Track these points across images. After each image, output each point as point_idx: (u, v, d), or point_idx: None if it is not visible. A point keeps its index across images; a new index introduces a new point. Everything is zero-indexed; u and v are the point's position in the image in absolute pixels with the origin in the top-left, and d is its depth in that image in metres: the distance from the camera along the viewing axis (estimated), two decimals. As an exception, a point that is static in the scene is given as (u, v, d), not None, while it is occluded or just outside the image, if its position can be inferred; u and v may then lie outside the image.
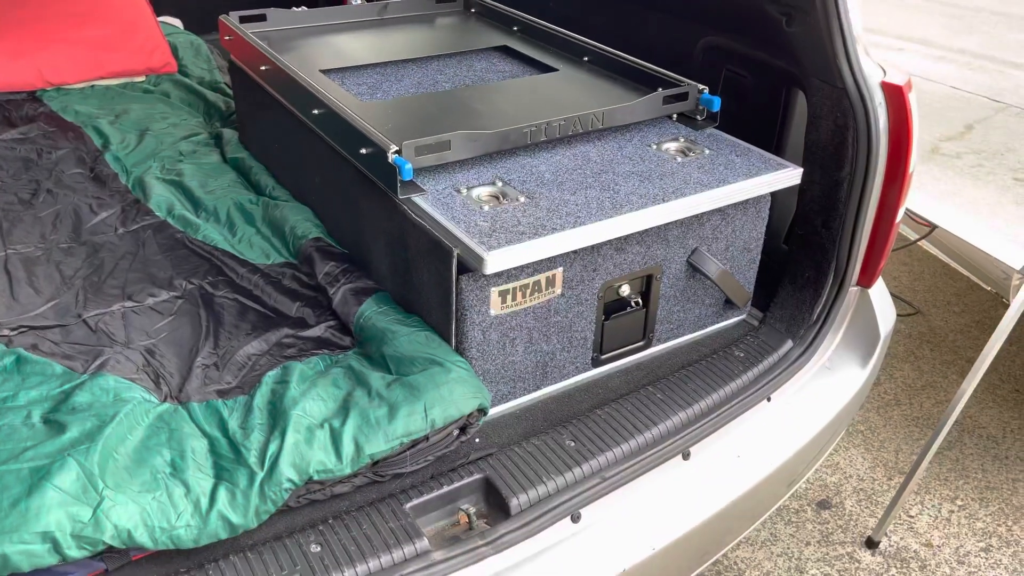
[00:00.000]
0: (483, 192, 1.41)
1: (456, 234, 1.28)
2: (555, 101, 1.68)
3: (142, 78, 2.53)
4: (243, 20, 2.02)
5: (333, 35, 2.07)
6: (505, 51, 2.04)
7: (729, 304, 1.66)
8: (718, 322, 1.67)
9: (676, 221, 1.44)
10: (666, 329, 1.58)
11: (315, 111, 1.58)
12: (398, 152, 1.36)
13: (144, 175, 1.96)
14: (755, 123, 1.78)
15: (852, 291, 1.66)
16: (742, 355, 1.59)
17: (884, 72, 1.54)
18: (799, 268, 1.68)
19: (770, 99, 1.76)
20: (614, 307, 1.48)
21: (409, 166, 1.34)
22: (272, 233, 1.75)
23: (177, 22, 3.04)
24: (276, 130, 1.88)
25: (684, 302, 1.58)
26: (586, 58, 1.92)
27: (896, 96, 1.51)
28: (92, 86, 2.46)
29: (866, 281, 1.66)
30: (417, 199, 1.37)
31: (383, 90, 1.78)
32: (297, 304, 1.54)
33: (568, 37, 1.96)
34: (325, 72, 1.83)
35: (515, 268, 1.30)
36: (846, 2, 1.50)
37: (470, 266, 1.28)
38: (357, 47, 2.00)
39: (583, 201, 1.38)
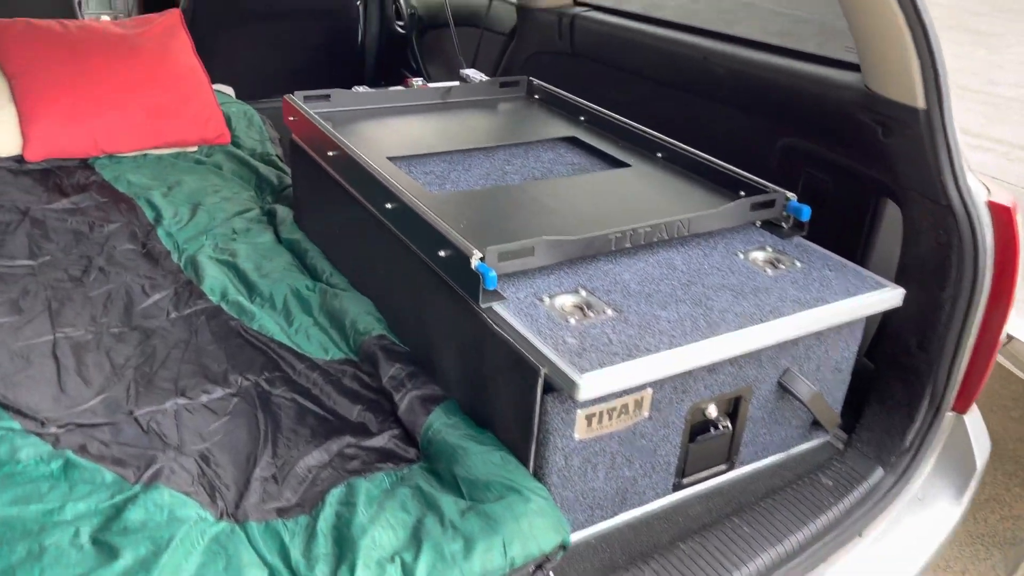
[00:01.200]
0: (567, 302, 1.32)
1: (543, 351, 1.19)
2: (632, 201, 1.61)
3: (195, 148, 2.50)
4: (308, 99, 1.98)
5: (397, 118, 2.02)
6: (572, 142, 1.98)
7: (815, 425, 1.55)
8: (802, 444, 1.56)
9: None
10: (750, 452, 1.48)
11: (388, 205, 1.51)
12: (482, 258, 1.28)
13: (197, 254, 1.89)
14: (837, 230, 1.70)
15: (947, 417, 1.55)
16: (831, 483, 1.48)
17: (988, 191, 1.46)
18: (888, 389, 1.58)
19: (855, 207, 1.69)
20: (700, 429, 1.38)
21: (493, 274, 1.26)
22: (330, 324, 1.67)
23: (229, 90, 3.03)
24: (338, 215, 1.82)
25: (771, 424, 1.48)
26: (659, 154, 1.85)
27: (1004, 217, 1.43)
28: (145, 155, 2.42)
29: (962, 407, 1.55)
30: (498, 308, 1.29)
31: (452, 180, 1.72)
32: (358, 407, 1.45)
33: (639, 131, 1.90)
34: (392, 159, 1.78)
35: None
36: (951, 116, 1.43)
37: (556, 386, 1.19)
38: (422, 133, 1.95)
39: (676, 318, 1.29)
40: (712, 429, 1.39)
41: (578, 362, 1.16)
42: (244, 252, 1.91)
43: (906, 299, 1.50)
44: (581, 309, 1.31)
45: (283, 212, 2.13)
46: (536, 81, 2.24)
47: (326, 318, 1.69)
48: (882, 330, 1.59)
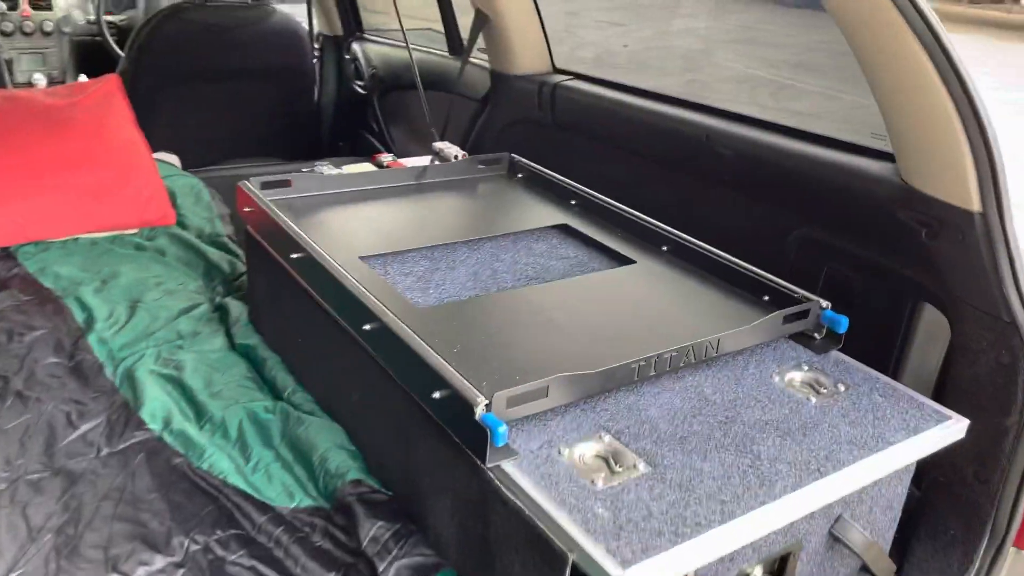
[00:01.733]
0: (589, 452, 1.10)
1: (570, 531, 0.96)
2: (646, 311, 1.41)
3: (135, 230, 2.23)
4: (265, 187, 1.74)
5: (368, 205, 1.80)
6: (565, 231, 1.78)
7: (864, 570, 1.35)
8: None
9: None
10: (796, 610, 1.26)
11: (366, 326, 1.28)
12: (487, 406, 1.06)
13: (135, 367, 1.63)
14: (866, 336, 1.51)
15: (1009, 553, 1.36)
16: (886, 641, 1.28)
17: (1053, 301, 1.30)
18: (942, 523, 1.39)
19: (888, 311, 1.51)
20: (744, 594, 1.17)
21: (503, 429, 1.03)
22: (295, 459, 1.42)
23: (174, 159, 2.77)
24: (303, 327, 1.58)
25: None
26: (665, 247, 1.66)
27: (1074, 334, 1.26)
28: (76, 240, 2.15)
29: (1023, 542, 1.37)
30: (509, 467, 1.06)
31: (436, 284, 1.50)
32: (333, 575, 1.20)
33: (639, 219, 1.71)
34: (366, 259, 1.55)
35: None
36: (1011, 218, 1.26)
37: (584, 571, 0.96)
38: (397, 223, 1.73)
39: (720, 472, 1.08)
40: None
41: (616, 547, 0.94)
42: (191, 364, 1.64)
43: (961, 424, 1.32)
44: (607, 462, 1.09)
45: (236, 309, 1.88)
46: (518, 158, 2.04)
47: (290, 450, 1.43)
48: (932, 454, 1.40)
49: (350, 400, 1.45)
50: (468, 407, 1.06)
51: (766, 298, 1.46)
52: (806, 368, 1.34)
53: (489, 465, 1.05)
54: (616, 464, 1.08)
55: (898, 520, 1.35)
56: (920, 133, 1.33)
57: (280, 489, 1.35)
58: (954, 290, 1.34)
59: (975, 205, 1.27)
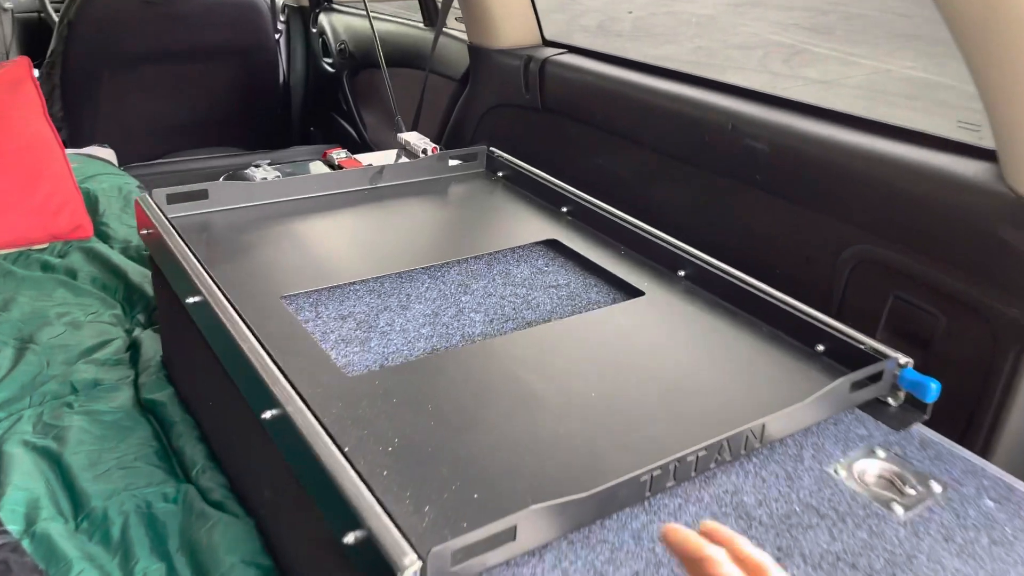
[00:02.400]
0: (578, 623, 0.74)
1: None
2: (659, 374, 1.03)
3: (43, 245, 1.87)
4: (173, 200, 1.37)
5: (307, 220, 1.42)
6: (554, 247, 1.41)
7: None
8: None
9: None
10: None
11: (266, 414, 0.92)
12: (421, 573, 0.69)
13: (6, 438, 1.27)
14: (948, 391, 1.14)
15: None
16: None
17: None
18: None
19: (980, 358, 1.14)
20: None
21: (446, 614, 0.67)
22: (194, 574, 1.06)
23: (109, 154, 2.40)
24: (209, 387, 1.22)
25: None
26: (682, 272, 1.28)
27: None
28: (-29, 258, 1.79)
29: None
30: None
31: (379, 332, 1.13)
32: None
33: (649, 235, 1.33)
34: (289, 298, 1.18)
35: None
36: None
37: None
38: (340, 245, 1.36)
39: (778, 658, 0.71)
40: None
41: None
42: (77, 432, 1.28)
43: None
44: (606, 639, 0.73)
45: (150, 348, 1.52)
46: (498, 152, 1.66)
47: (188, 562, 1.08)
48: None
49: (262, 495, 1.09)
50: (390, 571, 0.69)
51: (820, 348, 1.09)
52: (882, 455, 0.97)
53: (425, 663, 0.69)
54: (619, 645, 0.72)
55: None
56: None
57: (166, 626, 0.99)
58: (1087, 343, 0.97)
59: None
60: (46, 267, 1.80)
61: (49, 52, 2.60)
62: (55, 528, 1.11)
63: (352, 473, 0.79)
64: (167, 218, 1.30)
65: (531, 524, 0.76)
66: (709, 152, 1.50)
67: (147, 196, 1.35)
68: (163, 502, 1.17)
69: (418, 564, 0.69)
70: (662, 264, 1.31)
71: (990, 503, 0.91)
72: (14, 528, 1.12)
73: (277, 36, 2.98)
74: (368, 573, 0.74)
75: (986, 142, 1.08)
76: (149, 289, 1.73)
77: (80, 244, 1.87)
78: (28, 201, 1.82)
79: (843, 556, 0.82)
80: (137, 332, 1.61)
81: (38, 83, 2.00)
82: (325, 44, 3.00)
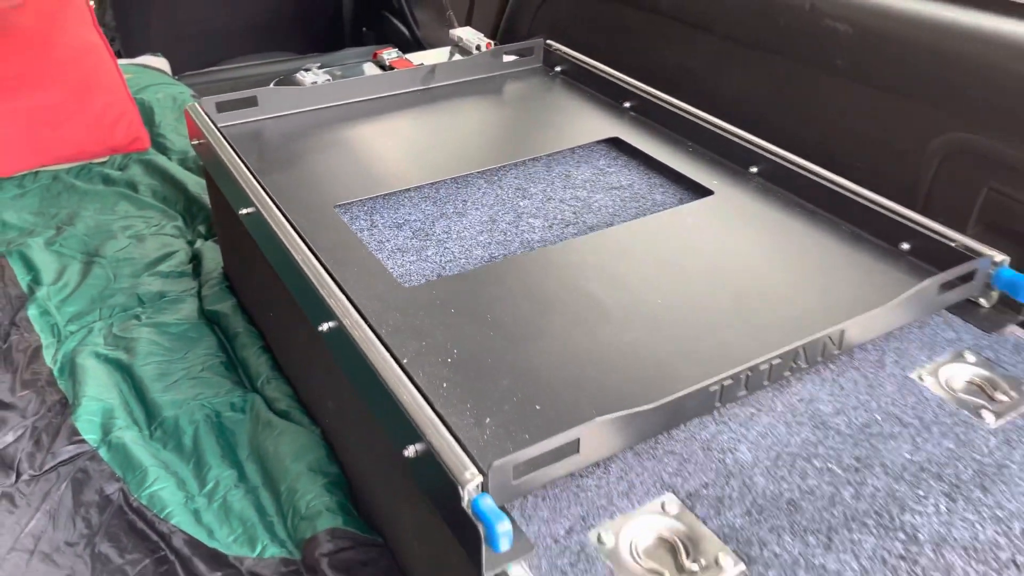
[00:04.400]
0: (646, 538, 0.72)
1: None
2: (734, 279, 0.98)
3: (103, 159, 1.87)
4: (223, 108, 1.34)
5: (357, 126, 1.38)
6: (616, 145, 1.34)
7: None
8: None
9: None
10: None
11: (323, 326, 0.90)
12: (483, 485, 0.68)
13: (79, 350, 1.30)
14: None
15: None
16: None
17: None
18: None
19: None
20: None
21: (506, 527, 0.65)
22: (264, 482, 1.08)
23: (163, 63, 2.37)
24: (270, 298, 1.21)
25: None
26: (754, 169, 1.20)
27: None
28: (36, 174, 1.80)
29: None
30: (518, 571, 0.68)
31: (436, 240, 1.10)
32: (297, 670, 0.87)
33: (717, 129, 1.25)
34: (343, 207, 1.15)
35: None
36: None
37: None
38: (393, 150, 1.31)
39: (856, 571, 0.68)
40: None
41: None
42: (146, 344, 1.31)
43: None
44: (674, 551, 0.71)
45: (211, 260, 1.52)
46: (556, 45, 1.57)
47: (257, 469, 1.10)
48: None
49: (326, 406, 1.09)
50: (452, 485, 0.68)
51: (905, 247, 1.01)
52: (972, 359, 0.90)
53: (488, 575, 0.68)
54: (689, 558, 0.70)
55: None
56: None
57: (240, 531, 1.02)
58: None
59: None
60: (107, 180, 1.80)
61: (96, -40, 2.55)
62: (130, 436, 1.14)
63: (411, 386, 0.77)
64: (217, 128, 1.27)
65: (595, 437, 0.73)
66: (785, 36, 1.38)
67: (196, 105, 1.32)
68: (231, 411, 1.19)
69: (479, 478, 0.67)
70: (733, 161, 1.23)
71: (1092, 411, 0.84)
72: (91, 438, 1.15)
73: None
74: (430, 486, 0.73)
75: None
76: (208, 200, 1.73)
77: (139, 156, 1.87)
78: (84, 113, 1.82)
79: (927, 467, 0.77)
80: (198, 243, 1.61)
81: (86, -8, 1.96)
82: (373, -62, 2.87)
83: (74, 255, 1.54)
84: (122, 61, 2.04)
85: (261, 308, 1.30)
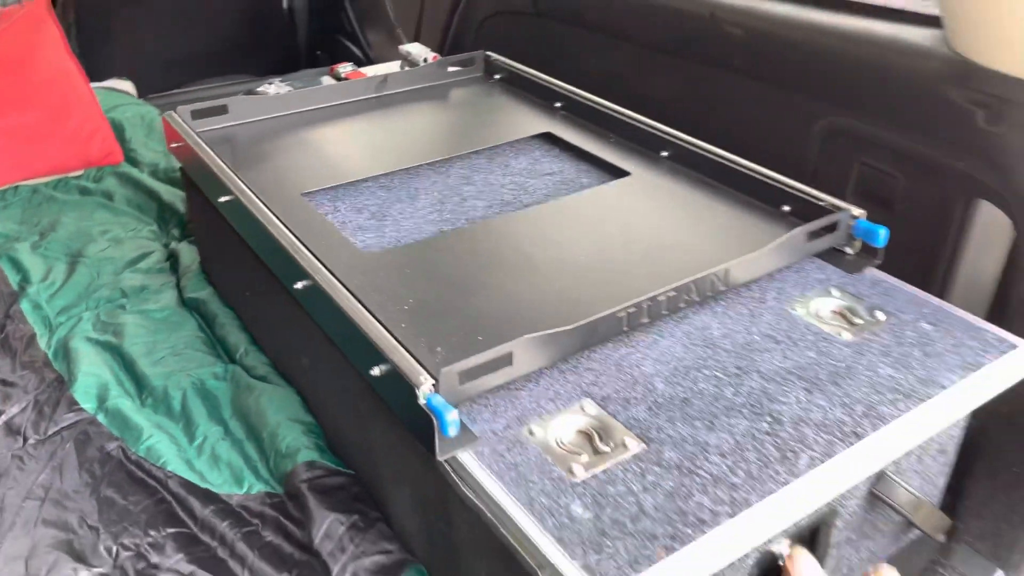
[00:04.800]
0: (569, 429, 0.89)
1: (539, 544, 0.76)
2: (640, 237, 1.17)
3: (79, 172, 2.01)
4: (197, 116, 1.50)
5: (319, 128, 1.55)
6: (549, 139, 1.53)
7: (912, 525, 1.15)
8: (893, 548, 1.16)
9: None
10: (833, 581, 1.08)
11: (297, 284, 1.07)
12: (434, 386, 0.85)
13: (71, 335, 1.44)
14: (907, 242, 1.27)
15: (1083, 491, 1.15)
16: (940, 606, 1.09)
17: None
18: (1002, 459, 1.18)
19: (936, 214, 1.26)
20: (769, 573, 0.98)
21: (454, 416, 0.82)
22: (247, 435, 1.23)
23: (128, 86, 2.52)
24: (246, 278, 1.37)
25: (859, 540, 1.07)
26: (665, 153, 1.40)
27: None
28: (16, 188, 1.94)
29: (1102, 477, 1.15)
30: (466, 457, 0.86)
31: (392, 220, 1.27)
32: (285, 577, 1.03)
33: (633, 120, 1.45)
34: (309, 195, 1.32)
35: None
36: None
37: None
38: (352, 147, 1.48)
39: (732, 445, 0.86)
40: (784, 571, 0.98)
41: (597, 563, 0.74)
42: (132, 327, 1.45)
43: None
44: (591, 439, 0.88)
45: (188, 256, 1.67)
46: (494, 56, 1.77)
47: (240, 425, 1.25)
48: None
49: (301, 364, 1.25)
50: (410, 388, 0.85)
51: (786, 209, 1.21)
52: (836, 294, 1.10)
53: (441, 458, 0.85)
54: (602, 442, 0.87)
55: (952, 463, 1.15)
56: (976, -12, 1.04)
57: (228, 474, 1.17)
58: (1019, 184, 1.08)
59: (1049, 77, 0.99)
60: (84, 192, 1.94)
61: (62, -9, 2.69)
62: (125, 404, 1.29)
63: (375, 321, 0.94)
64: (194, 131, 1.43)
65: (524, 351, 0.91)
66: (691, 41, 1.60)
67: (173, 114, 1.48)
68: (214, 380, 1.34)
69: (431, 381, 0.84)
70: (647, 147, 1.42)
71: (927, 326, 1.04)
72: (89, 406, 1.29)
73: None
74: (393, 396, 0.90)
75: (934, 10, 1.17)
76: (180, 207, 1.88)
77: (113, 169, 2.01)
78: (61, 131, 1.96)
79: (793, 371, 0.96)
80: (173, 244, 1.76)
81: (58, 20, 2.11)
82: (324, -34, 3.06)
83: (59, 256, 1.68)
84: (91, 84, 2.18)
85: (238, 291, 1.46)
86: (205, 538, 1.08)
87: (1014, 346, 1.01)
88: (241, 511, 1.11)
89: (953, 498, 1.21)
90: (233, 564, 1.05)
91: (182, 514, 1.11)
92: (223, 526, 1.09)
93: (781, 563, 0.97)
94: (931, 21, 1.18)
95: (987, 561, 1.15)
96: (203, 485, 1.15)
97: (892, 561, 1.16)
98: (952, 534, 1.18)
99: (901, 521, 1.12)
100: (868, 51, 1.27)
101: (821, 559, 1.02)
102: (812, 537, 1.00)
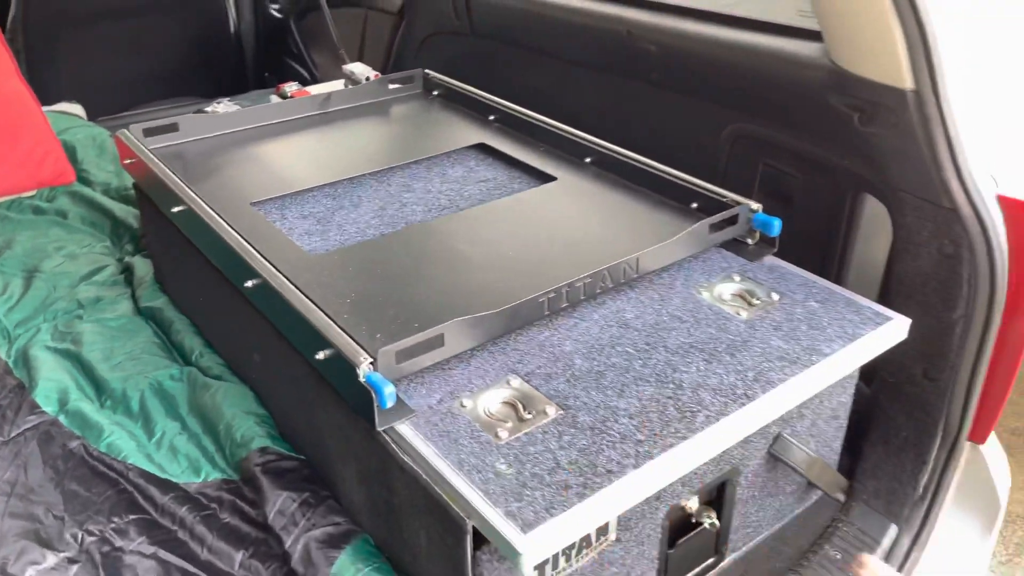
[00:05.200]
0: (495, 401, 1.00)
1: (468, 497, 0.87)
2: (563, 232, 1.29)
3: (32, 192, 2.07)
4: (149, 133, 1.58)
5: (266, 143, 1.64)
6: (483, 150, 1.64)
7: (813, 485, 1.28)
8: (799, 507, 1.29)
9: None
10: (741, 536, 1.20)
11: (247, 282, 1.16)
12: (372, 363, 0.95)
13: (30, 345, 1.51)
14: (806, 233, 1.41)
15: (964, 447, 1.29)
16: (839, 556, 1.22)
17: (996, 182, 1.19)
18: (892, 425, 1.31)
19: (828, 207, 1.40)
20: (680, 529, 1.09)
21: (390, 390, 0.93)
22: (204, 429, 1.32)
23: (78, 109, 2.57)
24: (198, 287, 1.45)
25: (763, 498, 1.19)
26: (588, 159, 1.53)
27: (1020, 216, 1.15)
28: (-31, 209, 1.99)
29: (979, 436, 1.29)
30: (403, 428, 0.96)
31: (336, 225, 1.37)
32: (242, 554, 1.11)
33: (559, 131, 1.57)
34: (258, 205, 1.41)
35: (556, 528, 0.90)
36: (947, 95, 1.14)
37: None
38: (298, 160, 1.58)
39: (638, 407, 0.98)
40: (695, 526, 1.10)
41: (517, 509, 0.85)
42: (90, 335, 1.52)
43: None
44: (515, 408, 0.99)
45: (142, 269, 1.74)
46: (432, 74, 1.88)
47: (197, 420, 1.33)
48: (879, 356, 1.32)
49: (253, 361, 1.34)
50: (351, 367, 0.95)
51: (695, 206, 1.34)
52: (737, 279, 1.23)
53: (380, 429, 0.95)
54: (525, 411, 0.98)
55: (845, 428, 1.28)
56: (845, 5, 1.19)
57: (186, 465, 1.25)
58: (892, 178, 1.23)
59: (907, 83, 1.14)
60: (38, 211, 2.00)
61: (10, 19, 2.74)
62: (85, 406, 1.36)
63: (320, 312, 1.04)
64: (147, 148, 1.51)
65: (454, 333, 1.01)
66: (611, 57, 1.73)
67: (126, 131, 1.56)
68: (171, 381, 1.42)
69: (370, 360, 0.94)
70: (572, 154, 1.55)
71: (815, 304, 1.18)
72: (50, 409, 1.36)
73: (224, -14, 3.12)
74: (336, 376, 1.00)
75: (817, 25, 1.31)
76: (133, 223, 1.95)
77: (65, 189, 2.07)
78: (14, 153, 2.01)
79: (695, 345, 1.09)
80: (127, 258, 1.83)
81: (7, 45, 2.17)
82: (270, -10, 3.16)
83: (15, 272, 1.74)
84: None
85: (191, 296, 1.54)
86: (166, 523, 1.16)
87: (889, 318, 1.15)
88: (199, 497, 1.19)
89: (851, 461, 1.35)
90: (194, 545, 1.13)
91: (143, 502, 1.19)
92: (182, 511, 1.17)
93: (693, 519, 1.10)
94: (815, 35, 1.33)
95: (883, 517, 1.28)
96: (163, 475, 1.23)
97: (798, 520, 1.30)
98: (851, 494, 1.32)
99: (802, 482, 1.25)
100: (763, 63, 1.41)
101: (727, 515, 1.14)
102: (719, 495, 1.13)
